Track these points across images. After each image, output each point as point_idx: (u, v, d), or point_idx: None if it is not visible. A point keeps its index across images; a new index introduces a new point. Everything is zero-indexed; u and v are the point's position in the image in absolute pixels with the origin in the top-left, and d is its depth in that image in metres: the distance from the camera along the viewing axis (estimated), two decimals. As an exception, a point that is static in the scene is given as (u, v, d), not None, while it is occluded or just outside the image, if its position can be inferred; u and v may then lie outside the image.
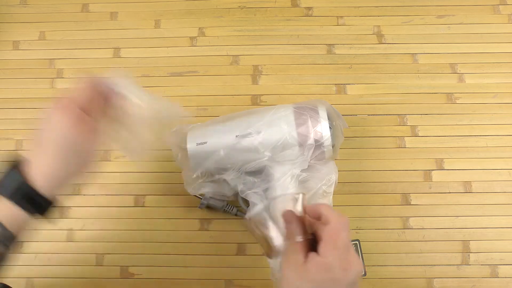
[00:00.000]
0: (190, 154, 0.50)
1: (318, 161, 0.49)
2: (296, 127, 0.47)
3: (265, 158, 0.47)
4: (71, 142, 0.36)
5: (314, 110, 0.48)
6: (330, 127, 0.47)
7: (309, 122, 0.47)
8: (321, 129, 0.47)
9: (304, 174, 0.48)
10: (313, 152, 0.48)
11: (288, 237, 0.37)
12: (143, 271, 0.56)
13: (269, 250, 0.44)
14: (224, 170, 0.49)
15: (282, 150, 0.47)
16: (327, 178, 0.49)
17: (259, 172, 0.48)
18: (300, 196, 0.44)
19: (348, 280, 0.32)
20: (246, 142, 0.48)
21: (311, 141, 0.47)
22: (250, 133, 0.48)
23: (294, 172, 0.47)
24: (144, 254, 0.56)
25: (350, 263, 0.33)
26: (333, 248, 0.33)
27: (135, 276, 0.56)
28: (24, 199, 0.36)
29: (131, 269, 0.56)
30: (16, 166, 0.36)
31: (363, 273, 0.53)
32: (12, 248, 0.37)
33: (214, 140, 0.49)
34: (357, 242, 0.54)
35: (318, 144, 0.47)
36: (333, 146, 0.48)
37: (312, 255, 0.34)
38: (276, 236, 0.44)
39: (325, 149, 0.48)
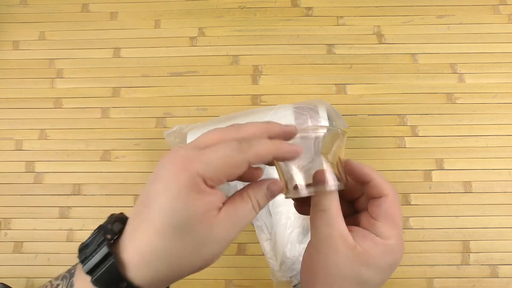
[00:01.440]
0: None
1: None
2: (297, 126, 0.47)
3: None
4: (196, 233, 0.25)
5: (314, 110, 0.48)
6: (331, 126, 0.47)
7: (309, 122, 0.47)
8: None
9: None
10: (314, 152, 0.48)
11: (328, 201, 0.28)
12: (143, 271, 0.56)
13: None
14: None
15: None
16: None
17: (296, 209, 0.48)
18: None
19: (399, 261, 0.28)
20: None
21: (312, 140, 0.47)
22: None
23: (295, 172, 0.47)
24: (144, 254, 0.56)
25: (403, 243, 0.29)
26: (394, 227, 0.28)
27: (135, 276, 0.56)
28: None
29: (131, 269, 0.56)
30: (105, 236, 0.27)
31: None
32: None
33: None
34: None
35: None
36: None
37: (366, 234, 0.28)
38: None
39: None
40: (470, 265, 0.55)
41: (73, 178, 0.60)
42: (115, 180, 0.59)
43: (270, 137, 0.27)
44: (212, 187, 0.25)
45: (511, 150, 0.59)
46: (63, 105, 0.63)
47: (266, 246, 0.47)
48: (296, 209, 0.32)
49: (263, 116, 0.49)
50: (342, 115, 0.53)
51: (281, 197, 0.42)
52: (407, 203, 0.58)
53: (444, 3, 0.67)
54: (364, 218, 0.30)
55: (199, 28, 0.66)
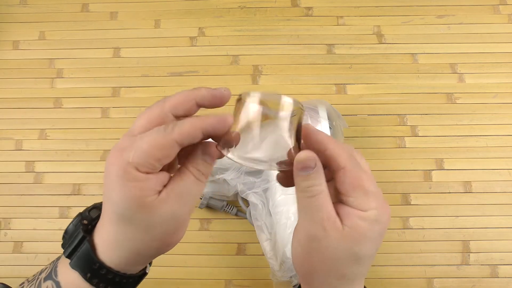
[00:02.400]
0: None
1: None
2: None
3: None
4: (139, 217, 0.26)
5: (314, 110, 0.48)
6: (330, 127, 0.47)
7: (309, 122, 0.47)
8: (321, 129, 0.47)
9: None
10: None
11: (317, 186, 0.27)
12: (143, 271, 0.56)
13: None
14: (224, 170, 0.49)
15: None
16: None
17: (259, 172, 0.48)
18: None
19: (386, 228, 0.28)
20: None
21: None
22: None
23: None
24: (144, 254, 0.56)
25: (387, 206, 0.28)
26: (368, 196, 0.27)
27: (135, 276, 0.56)
28: (91, 273, 0.28)
29: (131, 269, 0.56)
30: (81, 225, 0.30)
31: None
32: None
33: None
34: None
35: None
36: None
37: (349, 211, 0.27)
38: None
39: None
40: (470, 265, 0.55)
41: (73, 178, 0.60)
42: (115, 180, 0.59)
43: (200, 104, 0.28)
44: (147, 172, 0.25)
45: (511, 150, 0.59)
46: (63, 105, 0.63)
47: (266, 246, 0.47)
48: (280, 181, 0.31)
49: None
50: (342, 115, 0.53)
51: (281, 197, 0.42)
52: (407, 203, 0.57)
53: (444, 3, 0.67)
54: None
55: (199, 28, 0.66)
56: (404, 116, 0.61)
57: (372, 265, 0.54)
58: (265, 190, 0.48)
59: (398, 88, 0.63)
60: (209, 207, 0.56)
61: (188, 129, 0.25)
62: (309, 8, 0.67)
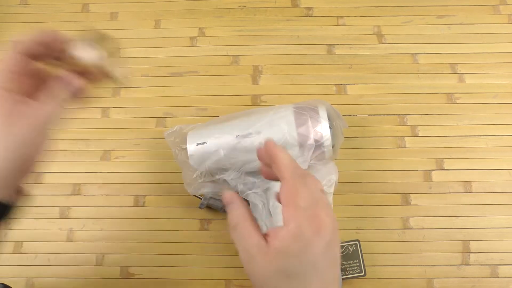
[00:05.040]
0: (190, 155, 0.50)
1: (318, 161, 0.49)
2: (296, 127, 0.47)
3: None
4: (4, 136, 0.29)
5: (314, 110, 0.48)
6: (330, 127, 0.47)
7: (309, 122, 0.47)
8: (321, 129, 0.47)
9: None
10: (313, 152, 0.48)
11: (234, 219, 0.30)
12: (143, 271, 0.56)
13: None
14: (224, 170, 0.49)
15: None
16: (327, 178, 0.49)
17: (260, 173, 0.48)
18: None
19: (323, 242, 0.28)
20: (246, 142, 0.48)
21: (311, 141, 0.47)
22: (250, 133, 0.48)
23: None
24: (144, 254, 0.56)
25: (321, 221, 0.28)
26: (295, 210, 0.28)
27: (135, 276, 0.56)
28: None
29: (131, 269, 0.56)
30: None
31: (363, 273, 0.53)
32: None
33: (214, 140, 0.49)
34: (356, 242, 0.54)
35: (318, 144, 0.48)
36: (333, 146, 0.48)
37: (273, 230, 0.28)
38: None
39: (325, 149, 0.48)
40: (470, 265, 0.55)
41: (73, 178, 0.60)
42: (115, 180, 0.59)
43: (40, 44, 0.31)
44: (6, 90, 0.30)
45: (511, 150, 0.59)
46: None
47: None
48: (263, 174, 0.34)
49: (263, 116, 0.49)
50: (342, 115, 0.53)
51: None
52: (407, 203, 0.57)
53: (444, 3, 0.67)
54: None
55: (199, 28, 0.66)
56: (404, 116, 0.61)
57: (372, 265, 0.55)
58: (266, 190, 0.48)
59: (398, 88, 0.63)
60: (209, 207, 0.56)
61: (26, 40, 0.30)
62: (309, 8, 0.67)
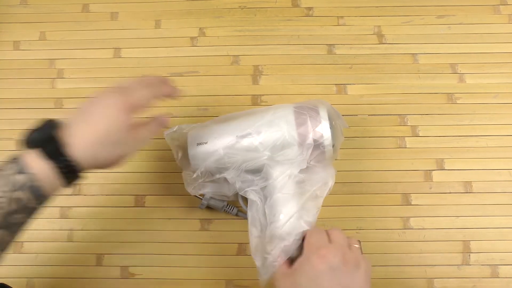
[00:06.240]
0: (190, 154, 0.50)
1: (318, 163, 0.49)
2: (296, 127, 0.47)
3: (265, 157, 0.47)
4: (116, 127, 0.38)
5: (314, 110, 0.48)
6: (330, 127, 0.47)
7: (309, 122, 0.47)
8: (321, 129, 0.47)
9: (301, 176, 0.47)
10: (312, 152, 0.48)
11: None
12: (143, 271, 0.56)
13: None
14: (224, 169, 0.49)
15: (282, 149, 0.47)
16: (323, 182, 0.49)
17: (258, 171, 0.48)
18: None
19: (325, 265, 0.37)
20: (246, 142, 0.48)
21: (310, 140, 0.47)
22: (250, 133, 0.48)
23: (292, 172, 0.47)
24: (144, 254, 0.56)
25: (327, 251, 0.38)
26: (311, 245, 0.40)
27: (135, 276, 0.56)
28: (62, 164, 0.36)
29: (131, 269, 0.56)
30: (53, 126, 0.37)
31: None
32: (42, 206, 0.37)
33: (214, 140, 0.49)
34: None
35: (317, 144, 0.47)
36: (333, 146, 0.48)
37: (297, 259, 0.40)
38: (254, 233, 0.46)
39: (325, 149, 0.48)
40: (470, 265, 0.55)
41: (73, 178, 0.60)
42: (115, 180, 0.59)
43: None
44: (133, 110, 0.40)
45: (511, 150, 0.59)
46: (63, 105, 0.63)
47: (254, 242, 0.47)
48: None
49: (263, 116, 0.49)
50: (343, 115, 0.53)
51: (277, 195, 0.45)
52: (407, 203, 0.57)
53: (444, 3, 0.67)
54: None
55: (200, 28, 0.66)
56: (405, 116, 0.61)
57: (372, 265, 0.54)
58: (263, 188, 0.48)
59: (399, 88, 0.63)
60: (209, 207, 0.56)
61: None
62: (309, 8, 0.67)
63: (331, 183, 0.48)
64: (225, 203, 0.56)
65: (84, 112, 0.39)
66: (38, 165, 0.35)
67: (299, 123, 0.47)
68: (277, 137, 0.47)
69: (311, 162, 0.48)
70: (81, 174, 0.38)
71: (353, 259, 0.39)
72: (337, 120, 0.50)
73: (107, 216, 0.58)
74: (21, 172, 0.35)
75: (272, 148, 0.47)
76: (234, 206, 0.56)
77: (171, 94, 0.45)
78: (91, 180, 0.60)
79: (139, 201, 0.58)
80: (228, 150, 0.48)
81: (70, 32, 0.67)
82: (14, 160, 0.36)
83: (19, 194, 0.34)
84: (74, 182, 0.39)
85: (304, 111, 0.48)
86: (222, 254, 0.56)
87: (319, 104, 0.50)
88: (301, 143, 0.47)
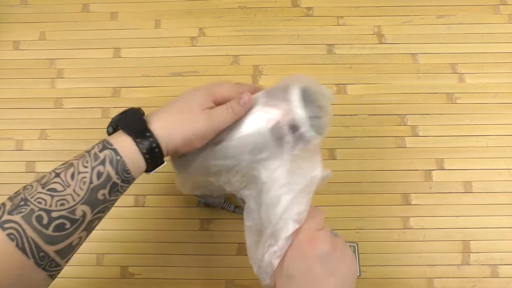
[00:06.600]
0: (175, 169, 0.46)
1: (305, 152, 0.42)
2: (266, 124, 0.41)
3: (243, 163, 0.42)
4: (193, 114, 0.39)
5: (284, 92, 0.41)
6: (313, 116, 0.40)
7: (279, 113, 0.40)
8: (296, 115, 0.40)
9: (287, 175, 0.41)
10: (295, 145, 0.41)
11: None
12: (143, 271, 0.56)
13: None
14: (210, 176, 0.45)
15: (260, 152, 0.41)
16: (310, 176, 0.42)
17: (246, 176, 0.44)
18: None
19: (315, 252, 0.37)
20: (221, 149, 0.42)
21: (286, 132, 0.40)
22: (221, 140, 0.42)
23: (279, 173, 0.41)
24: (144, 254, 0.56)
25: (318, 239, 0.37)
26: (303, 231, 0.38)
27: (135, 276, 0.56)
28: (142, 139, 0.37)
29: (131, 269, 0.56)
30: (136, 111, 0.40)
31: (358, 274, 0.52)
32: (126, 186, 0.39)
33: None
34: (355, 245, 0.54)
35: (296, 133, 0.40)
36: (316, 131, 0.41)
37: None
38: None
39: (307, 137, 0.40)
40: (470, 265, 0.55)
41: (73, 178, 0.60)
42: (115, 180, 0.59)
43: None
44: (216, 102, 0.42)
45: (511, 150, 0.59)
46: (63, 105, 0.63)
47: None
48: None
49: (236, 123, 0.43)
50: (342, 115, 0.52)
51: (275, 193, 0.43)
52: (407, 203, 0.57)
53: (444, 3, 0.67)
54: None
55: (200, 28, 0.66)
56: (405, 116, 0.61)
57: (372, 265, 0.55)
58: (259, 193, 0.43)
59: (399, 88, 0.63)
60: (207, 204, 0.56)
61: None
62: (309, 8, 0.67)
63: (319, 174, 0.41)
64: (222, 200, 0.56)
65: (170, 103, 0.41)
66: (121, 141, 0.37)
67: (270, 119, 0.41)
68: (250, 140, 0.41)
69: (297, 153, 0.41)
70: (162, 157, 0.39)
71: (340, 244, 0.39)
72: (319, 97, 0.42)
73: (107, 216, 0.58)
74: (105, 148, 0.37)
75: (249, 152, 0.41)
76: (231, 203, 0.56)
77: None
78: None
79: (139, 201, 0.58)
80: (205, 159, 0.43)
81: (70, 32, 0.67)
82: (101, 141, 0.38)
83: (103, 168, 0.36)
84: (156, 166, 0.39)
85: (273, 100, 0.41)
86: (222, 254, 0.56)
87: (292, 83, 0.42)
88: (278, 139, 0.40)
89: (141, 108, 0.41)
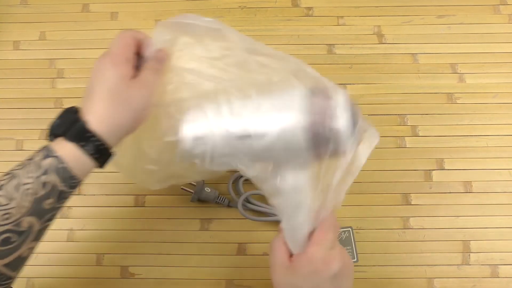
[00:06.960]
0: (185, 151, 0.38)
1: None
2: (305, 129, 0.36)
3: (270, 168, 0.38)
4: (124, 92, 0.38)
5: (329, 99, 0.37)
6: (353, 122, 0.37)
7: (326, 117, 0.36)
8: (340, 123, 0.36)
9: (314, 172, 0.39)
10: (327, 154, 0.37)
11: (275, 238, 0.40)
12: (143, 271, 0.56)
13: None
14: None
15: (291, 155, 0.37)
16: (343, 171, 0.40)
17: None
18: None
19: (331, 272, 0.35)
20: (246, 145, 0.37)
21: (327, 142, 0.36)
22: (249, 135, 0.37)
23: (304, 176, 0.38)
24: (144, 254, 0.56)
25: (333, 259, 0.36)
26: (316, 246, 0.36)
27: (135, 276, 0.56)
28: (85, 142, 0.36)
29: (131, 269, 0.56)
30: (72, 112, 0.38)
31: (355, 259, 0.53)
32: (73, 190, 0.38)
33: (210, 136, 0.37)
34: (349, 229, 0.54)
35: (335, 144, 0.36)
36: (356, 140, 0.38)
37: (297, 254, 0.38)
38: None
39: (344, 149, 0.38)
40: (470, 265, 0.55)
41: (73, 178, 0.60)
42: (115, 180, 0.59)
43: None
44: (126, 60, 0.40)
45: (511, 150, 0.59)
46: (63, 105, 0.63)
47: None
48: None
49: (263, 102, 0.39)
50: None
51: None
52: (407, 203, 0.57)
53: (444, 3, 0.67)
54: None
55: (200, 28, 0.66)
56: (405, 116, 0.61)
57: (372, 265, 0.55)
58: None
59: (399, 88, 0.63)
60: (201, 200, 0.56)
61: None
62: (309, 8, 0.67)
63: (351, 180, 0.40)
64: (217, 194, 0.56)
65: (87, 89, 0.40)
66: (64, 148, 0.36)
67: (314, 121, 0.36)
68: (283, 142, 0.36)
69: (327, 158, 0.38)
70: (109, 148, 0.38)
71: (349, 260, 0.38)
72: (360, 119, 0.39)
73: (107, 216, 0.58)
74: (48, 156, 0.35)
75: (278, 153, 0.37)
76: (225, 197, 0.56)
77: (143, 38, 0.43)
78: (91, 180, 0.59)
79: (139, 201, 0.58)
80: (226, 145, 0.37)
81: (70, 32, 0.67)
82: (42, 148, 0.37)
83: (47, 178, 0.35)
84: (106, 159, 0.39)
85: (319, 101, 0.37)
86: (222, 254, 0.56)
87: (333, 90, 0.38)
88: (316, 145, 0.36)
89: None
